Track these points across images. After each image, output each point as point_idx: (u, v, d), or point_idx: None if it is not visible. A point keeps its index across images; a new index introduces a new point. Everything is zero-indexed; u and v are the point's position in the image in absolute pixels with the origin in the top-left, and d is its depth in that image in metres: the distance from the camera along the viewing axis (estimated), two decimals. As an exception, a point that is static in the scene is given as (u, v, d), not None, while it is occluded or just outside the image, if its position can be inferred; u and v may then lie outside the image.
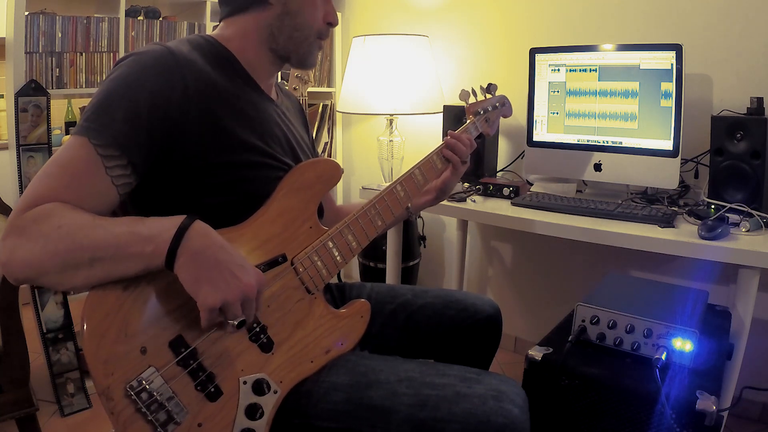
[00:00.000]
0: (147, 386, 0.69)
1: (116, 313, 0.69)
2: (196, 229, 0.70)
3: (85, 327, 0.67)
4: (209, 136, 0.81)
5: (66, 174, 0.72)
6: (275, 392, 0.81)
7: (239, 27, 0.91)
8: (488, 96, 1.31)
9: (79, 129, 0.73)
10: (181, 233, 0.69)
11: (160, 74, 0.77)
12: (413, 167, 1.08)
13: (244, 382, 0.78)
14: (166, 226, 0.69)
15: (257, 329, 0.81)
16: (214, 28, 0.96)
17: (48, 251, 0.66)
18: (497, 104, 1.32)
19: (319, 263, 0.91)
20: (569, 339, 1.15)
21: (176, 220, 0.70)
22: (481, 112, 1.27)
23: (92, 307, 0.68)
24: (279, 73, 1.01)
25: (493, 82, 1.32)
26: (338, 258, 0.93)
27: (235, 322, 0.71)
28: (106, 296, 0.69)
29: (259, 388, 0.79)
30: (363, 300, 0.98)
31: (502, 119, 2.02)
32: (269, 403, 0.80)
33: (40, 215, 0.68)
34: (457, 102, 1.98)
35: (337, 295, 1.17)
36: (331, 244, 0.92)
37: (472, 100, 1.27)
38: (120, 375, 0.68)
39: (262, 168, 0.87)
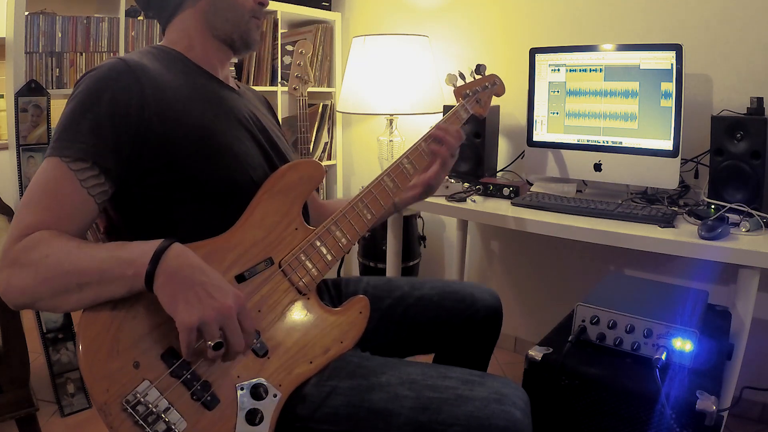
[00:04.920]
0: (142, 399, 0.70)
1: (107, 330, 0.71)
2: (173, 250, 0.73)
3: (79, 347, 0.69)
4: (175, 131, 0.83)
5: (46, 196, 0.76)
6: (275, 396, 0.81)
7: (180, 27, 0.95)
8: (477, 77, 1.31)
9: (50, 151, 0.77)
10: (158, 256, 0.71)
11: (116, 82, 0.80)
12: (401, 156, 1.07)
13: (241, 389, 0.78)
14: (144, 249, 0.72)
15: None
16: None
17: (39, 279, 0.71)
18: (487, 84, 1.31)
19: (308, 263, 0.90)
20: (569, 339, 1.15)
21: (154, 244, 0.73)
22: (470, 94, 1.27)
23: (84, 327, 0.70)
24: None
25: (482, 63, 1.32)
26: (328, 256, 0.93)
27: (211, 344, 0.71)
28: (98, 315, 0.71)
29: (257, 393, 0.79)
30: (361, 296, 0.97)
31: (503, 117, 2.04)
32: (269, 407, 0.79)
33: (28, 246, 0.72)
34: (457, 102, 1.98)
35: (334, 292, 1.17)
36: (318, 243, 0.92)
37: (460, 83, 1.27)
38: (116, 390, 0.69)
39: (235, 155, 0.89)
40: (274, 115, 1.16)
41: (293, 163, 0.94)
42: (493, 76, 1.33)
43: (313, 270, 0.91)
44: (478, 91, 1.29)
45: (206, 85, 0.93)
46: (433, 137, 1.11)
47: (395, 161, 1.06)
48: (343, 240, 0.96)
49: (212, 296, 0.71)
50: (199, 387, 0.75)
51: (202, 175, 0.85)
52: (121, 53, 1.97)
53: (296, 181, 0.93)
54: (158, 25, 2.07)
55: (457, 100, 1.25)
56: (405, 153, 1.07)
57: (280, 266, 0.88)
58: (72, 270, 0.70)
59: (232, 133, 0.90)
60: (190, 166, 0.84)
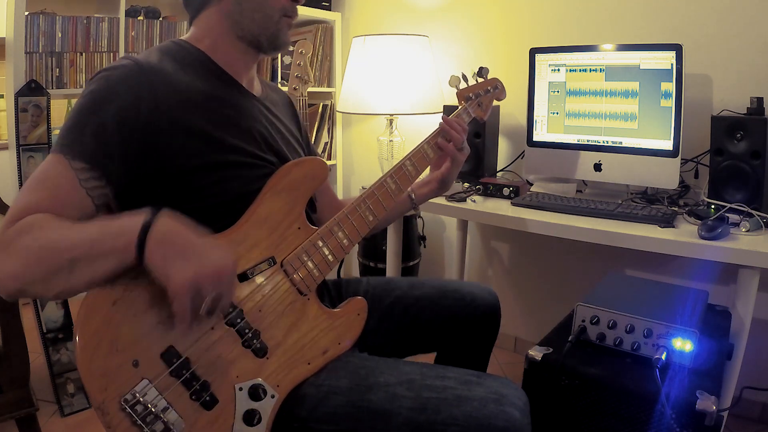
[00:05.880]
0: (141, 399, 0.69)
1: (106, 327, 0.70)
2: (163, 216, 0.71)
3: (77, 341, 0.68)
4: (183, 142, 0.81)
5: (44, 188, 0.75)
6: (273, 397, 0.81)
7: (205, 24, 0.92)
8: (479, 80, 1.31)
9: (55, 147, 0.77)
10: (148, 224, 0.69)
11: (127, 89, 0.78)
12: (403, 158, 1.08)
13: (240, 389, 0.78)
14: (134, 219, 0.70)
15: (250, 334, 0.81)
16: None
17: (30, 261, 0.68)
18: (489, 88, 1.32)
19: (309, 264, 0.90)
20: (569, 339, 1.15)
21: (144, 213, 0.71)
22: (473, 97, 1.27)
23: (83, 322, 0.69)
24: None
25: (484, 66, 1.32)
26: (329, 257, 0.93)
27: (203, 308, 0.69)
28: (97, 310, 0.70)
29: (256, 393, 0.79)
30: (359, 297, 0.98)
31: (503, 117, 2.04)
32: (267, 407, 0.80)
33: (21, 228, 0.70)
34: (457, 102, 1.98)
35: (334, 293, 1.17)
36: (321, 243, 0.92)
37: (463, 85, 1.27)
38: (114, 389, 0.68)
39: (242, 167, 0.87)
40: (296, 118, 1.13)
41: (298, 161, 0.94)
42: (495, 80, 1.34)
43: (315, 271, 0.91)
44: (480, 95, 1.29)
45: (224, 93, 0.90)
46: (440, 132, 1.14)
47: (398, 163, 1.07)
48: (345, 241, 0.96)
49: (208, 255, 0.69)
50: (198, 387, 0.74)
51: (207, 187, 0.84)
52: (121, 53, 1.97)
53: (300, 178, 0.92)
54: (158, 25, 2.07)
55: (460, 103, 1.26)
56: (407, 155, 1.08)
57: (282, 266, 0.88)
58: (62, 246, 0.68)
59: (242, 146, 0.88)
60: (195, 178, 0.83)
